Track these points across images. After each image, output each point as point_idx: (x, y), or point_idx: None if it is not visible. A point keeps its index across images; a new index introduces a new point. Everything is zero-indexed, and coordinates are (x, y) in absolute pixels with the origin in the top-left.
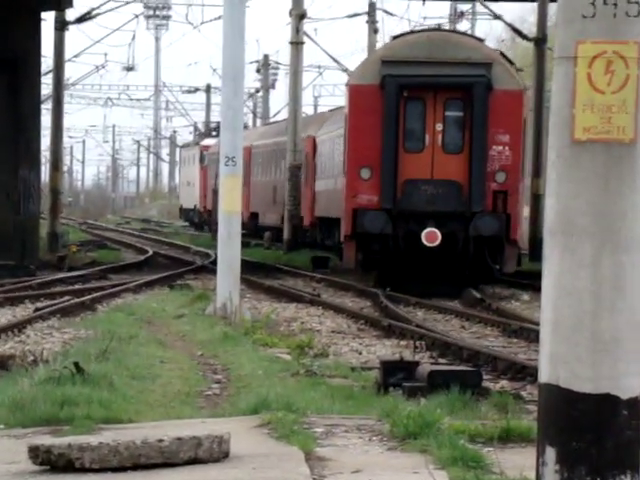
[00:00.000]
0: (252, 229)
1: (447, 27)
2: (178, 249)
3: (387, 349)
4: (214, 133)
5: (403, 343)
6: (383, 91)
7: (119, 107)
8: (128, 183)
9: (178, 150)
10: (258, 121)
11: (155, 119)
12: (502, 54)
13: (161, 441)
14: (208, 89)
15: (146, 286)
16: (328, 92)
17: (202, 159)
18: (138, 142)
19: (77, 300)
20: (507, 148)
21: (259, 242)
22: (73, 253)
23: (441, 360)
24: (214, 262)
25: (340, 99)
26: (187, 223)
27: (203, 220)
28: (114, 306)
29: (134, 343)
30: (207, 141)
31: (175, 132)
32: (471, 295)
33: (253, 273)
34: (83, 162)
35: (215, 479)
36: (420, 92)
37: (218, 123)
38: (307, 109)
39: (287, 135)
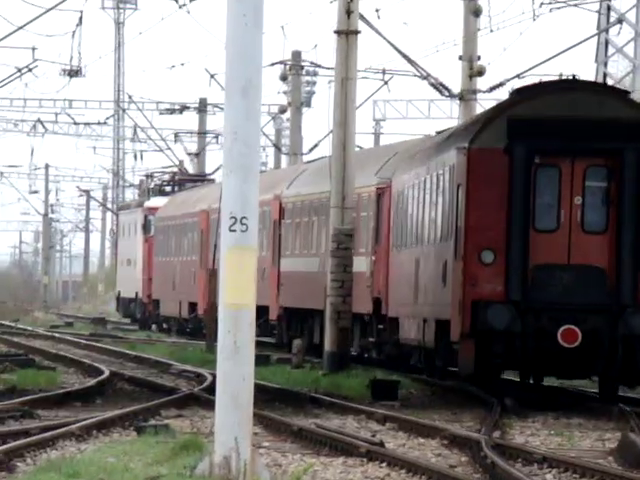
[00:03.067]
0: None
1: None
2: (152, 367)
3: None
4: (167, 188)
5: None
6: (510, 157)
7: (56, 136)
8: (70, 260)
9: (116, 215)
10: (284, 159)
11: (116, 156)
12: None
13: None
14: (202, 107)
15: (98, 429)
16: (397, 112)
17: (146, 227)
18: (87, 193)
19: None
20: None
21: (284, 356)
22: None
23: None
24: (211, 389)
25: (415, 123)
26: (129, 320)
27: (147, 315)
28: (45, 463)
29: None
30: (154, 201)
31: (149, 177)
32: (634, 446)
33: (274, 407)
34: None
35: None
36: (555, 159)
37: (174, 175)
38: (363, 140)
39: (331, 183)
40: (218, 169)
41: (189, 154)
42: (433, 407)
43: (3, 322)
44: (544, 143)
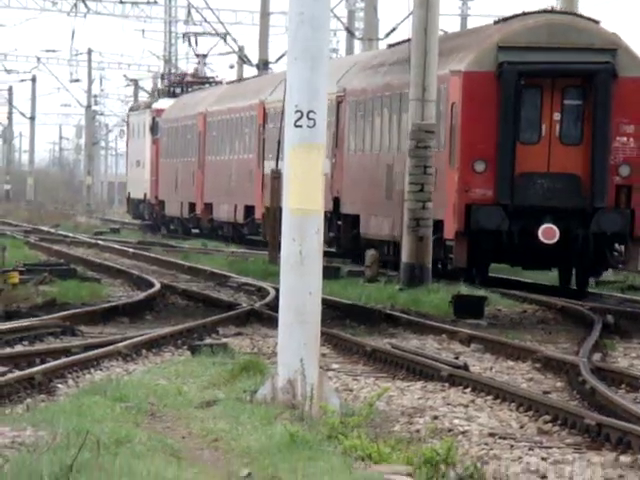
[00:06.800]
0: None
1: None
2: (208, 280)
3: (595, 470)
4: (177, 90)
5: (626, 460)
6: (499, 79)
7: (100, 17)
8: (116, 159)
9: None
10: (357, 45)
11: (167, 41)
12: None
13: None
14: None
15: (148, 348)
16: None
17: (154, 129)
18: (135, 82)
19: (19, 374)
20: (632, 140)
21: (356, 268)
22: (13, 286)
23: None
24: (274, 304)
25: (507, 3)
26: (138, 221)
27: (155, 216)
28: (88, 385)
29: (125, 453)
30: (162, 102)
31: (204, 64)
32: None
33: (345, 325)
34: (32, 119)
35: None
36: (538, 80)
37: (183, 77)
38: (448, 23)
39: (410, 72)
40: (282, 56)
41: (197, 55)
42: (524, 326)
43: (42, 227)
44: (528, 67)
